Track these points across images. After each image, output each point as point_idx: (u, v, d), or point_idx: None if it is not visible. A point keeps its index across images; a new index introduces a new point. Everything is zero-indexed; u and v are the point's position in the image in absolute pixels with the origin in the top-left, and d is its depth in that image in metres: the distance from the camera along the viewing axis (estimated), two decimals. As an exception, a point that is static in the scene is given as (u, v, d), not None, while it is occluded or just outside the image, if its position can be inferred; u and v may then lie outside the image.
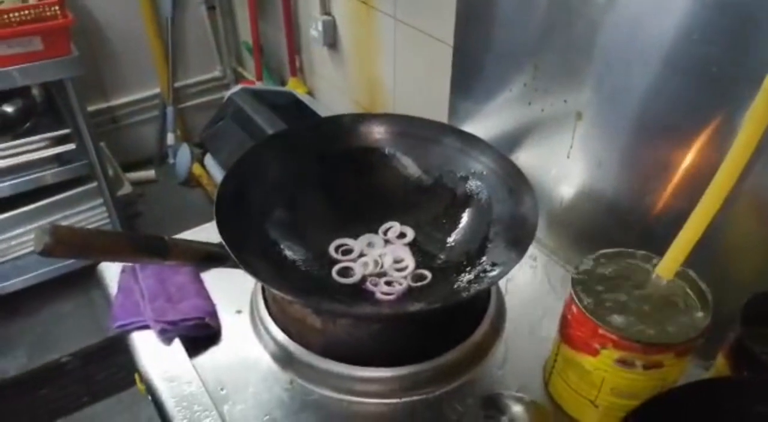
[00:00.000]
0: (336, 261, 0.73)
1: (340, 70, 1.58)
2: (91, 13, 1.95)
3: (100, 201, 1.76)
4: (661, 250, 0.59)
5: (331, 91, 1.68)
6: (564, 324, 0.60)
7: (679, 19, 0.61)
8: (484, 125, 0.93)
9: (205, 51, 2.23)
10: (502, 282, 0.77)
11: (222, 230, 0.61)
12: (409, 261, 0.73)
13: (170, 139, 2.23)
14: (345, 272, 0.72)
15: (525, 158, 0.86)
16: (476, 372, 0.67)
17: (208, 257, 0.62)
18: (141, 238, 0.57)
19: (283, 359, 0.68)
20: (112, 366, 1.60)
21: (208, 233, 0.81)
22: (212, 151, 1.85)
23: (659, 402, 0.43)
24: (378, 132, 0.80)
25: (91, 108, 1.94)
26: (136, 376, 0.74)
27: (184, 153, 2.20)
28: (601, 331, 0.54)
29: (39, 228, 0.49)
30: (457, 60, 0.97)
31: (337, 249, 0.75)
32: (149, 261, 0.59)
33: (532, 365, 0.68)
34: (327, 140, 0.79)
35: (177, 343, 0.69)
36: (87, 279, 1.76)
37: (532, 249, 0.63)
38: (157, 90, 2.20)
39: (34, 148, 1.57)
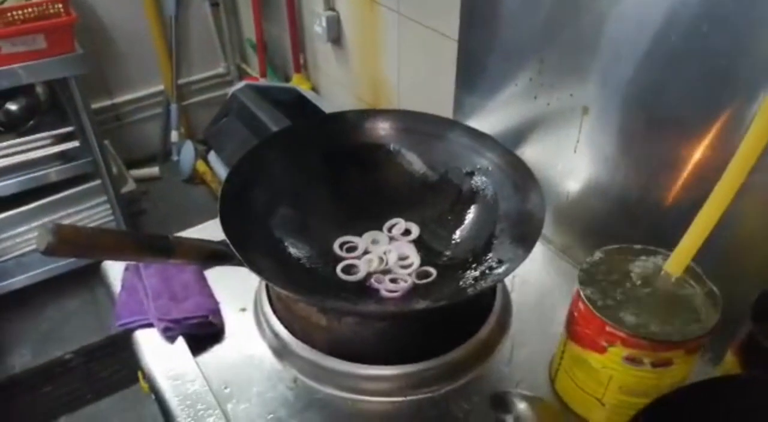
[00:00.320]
0: (340, 259, 0.73)
1: (344, 66, 1.57)
2: (94, 10, 1.94)
3: (104, 198, 1.76)
4: (668, 246, 0.58)
5: (334, 87, 1.67)
6: (571, 321, 0.59)
7: (688, 10, 0.60)
8: (489, 120, 0.92)
9: (208, 48, 2.23)
10: (507, 279, 0.76)
11: (226, 228, 0.60)
12: (414, 259, 0.72)
13: (174, 136, 2.22)
14: (349, 269, 0.71)
15: (530, 153, 0.85)
16: (482, 370, 0.67)
17: (212, 255, 0.61)
18: (145, 237, 0.57)
19: (288, 357, 0.67)
20: (116, 363, 1.61)
21: (211, 231, 0.80)
22: (216, 148, 1.84)
23: (670, 400, 0.42)
24: (383, 128, 0.79)
25: (94, 105, 1.93)
26: (139, 374, 0.74)
27: (188, 150, 2.20)
28: (608, 329, 0.53)
29: (42, 226, 0.48)
30: (462, 55, 0.96)
31: (341, 246, 0.74)
32: (153, 260, 0.58)
33: (538, 362, 0.68)
34: (331, 137, 0.79)
35: (180, 341, 0.69)
36: (91, 276, 1.76)
37: (538, 245, 0.62)
38: (160, 87, 2.20)
39: (38, 146, 1.57)
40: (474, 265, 0.69)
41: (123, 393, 1.54)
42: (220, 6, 2.15)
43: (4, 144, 1.54)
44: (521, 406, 0.57)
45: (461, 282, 0.67)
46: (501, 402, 0.59)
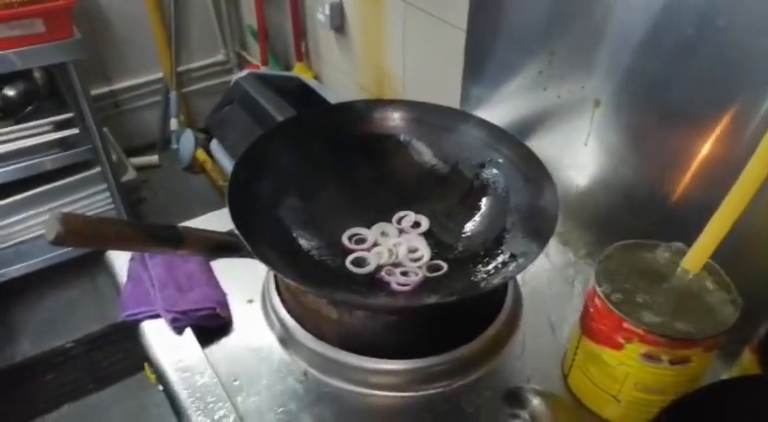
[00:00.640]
0: (349, 251, 0.72)
1: (347, 55, 1.55)
2: (92, -6, 1.92)
3: (104, 186, 1.74)
4: (679, 240, 0.57)
5: (337, 76, 1.66)
6: (586, 316, 0.58)
7: (704, 2, 0.59)
8: (497, 112, 0.91)
9: (208, 35, 2.20)
10: (518, 273, 0.76)
11: (236, 221, 0.59)
12: (425, 251, 0.71)
13: (173, 124, 2.21)
14: (359, 262, 0.70)
15: (539, 145, 0.83)
16: (494, 365, 0.66)
17: (220, 247, 0.61)
18: (154, 228, 0.56)
19: (297, 350, 0.67)
20: (117, 352, 1.60)
21: (216, 221, 0.80)
22: (219, 137, 1.82)
23: (693, 399, 0.42)
24: (393, 118, 0.78)
25: (93, 92, 1.91)
26: (146, 366, 0.73)
27: (188, 138, 2.18)
28: (626, 325, 0.52)
29: (51, 215, 0.47)
30: (470, 45, 0.95)
31: (350, 238, 0.73)
32: (161, 251, 0.57)
33: (549, 357, 0.67)
34: (340, 127, 0.78)
35: (189, 333, 0.68)
36: (91, 264, 1.76)
37: (547, 239, 0.61)
38: (159, 74, 2.18)
39: (37, 132, 1.55)
40: (486, 259, 0.68)
41: (125, 382, 1.53)
42: (220, -8, 2.13)
43: (3, 130, 1.52)
44: (535, 402, 0.56)
45: (473, 277, 0.66)
46: (514, 397, 0.58)
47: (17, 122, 1.55)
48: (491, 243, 0.70)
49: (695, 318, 0.52)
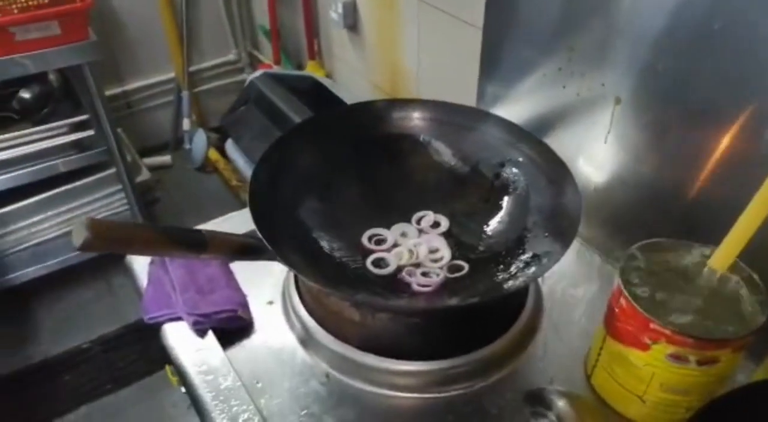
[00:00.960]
0: (369, 252, 0.72)
1: (360, 54, 1.55)
2: (105, -4, 1.93)
3: (118, 187, 1.75)
4: (702, 239, 0.57)
5: (350, 75, 1.65)
6: (611, 317, 0.58)
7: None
8: (515, 109, 0.90)
9: (220, 34, 2.21)
10: (538, 273, 0.75)
11: (258, 224, 0.59)
12: (445, 252, 0.71)
13: (186, 124, 2.21)
14: (379, 263, 0.70)
15: (558, 143, 0.83)
16: (516, 366, 0.66)
17: (243, 250, 0.60)
18: (178, 232, 0.56)
19: (319, 352, 0.67)
20: (134, 352, 1.61)
21: (232, 223, 0.80)
22: (234, 137, 1.82)
23: (726, 402, 0.41)
24: (412, 118, 0.77)
25: (106, 93, 1.92)
26: (167, 368, 0.73)
27: (200, 138, 2.19)
28: (653, 326, 0.52)
29: (78, 222, 0.47)
30: (487, 43, 0.94)
31: (370, 239, 0.73)
32: (185, 256, 0.57)
33: (571, 357, 0.67)
34: (359, 127, 0.77)
35: (211, 336, 0.68)
36: (107, 266, 1.77)
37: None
38: (171, 74, 2.18)
39: (53, 135, 1.56)
40: (508, 259, 0.67)
41: (141, 383, 1.54)
42: (231, -8, 2.13)
43: (20, 133, 1.53)
44: (560, 403, 0.56)
45: (495, 277, 0.66)
46: (538, 398, 0.58)
47: (33, 125, 1.56)
48: (513, 243, 0.69)
49: (723, 318, 0.52)
